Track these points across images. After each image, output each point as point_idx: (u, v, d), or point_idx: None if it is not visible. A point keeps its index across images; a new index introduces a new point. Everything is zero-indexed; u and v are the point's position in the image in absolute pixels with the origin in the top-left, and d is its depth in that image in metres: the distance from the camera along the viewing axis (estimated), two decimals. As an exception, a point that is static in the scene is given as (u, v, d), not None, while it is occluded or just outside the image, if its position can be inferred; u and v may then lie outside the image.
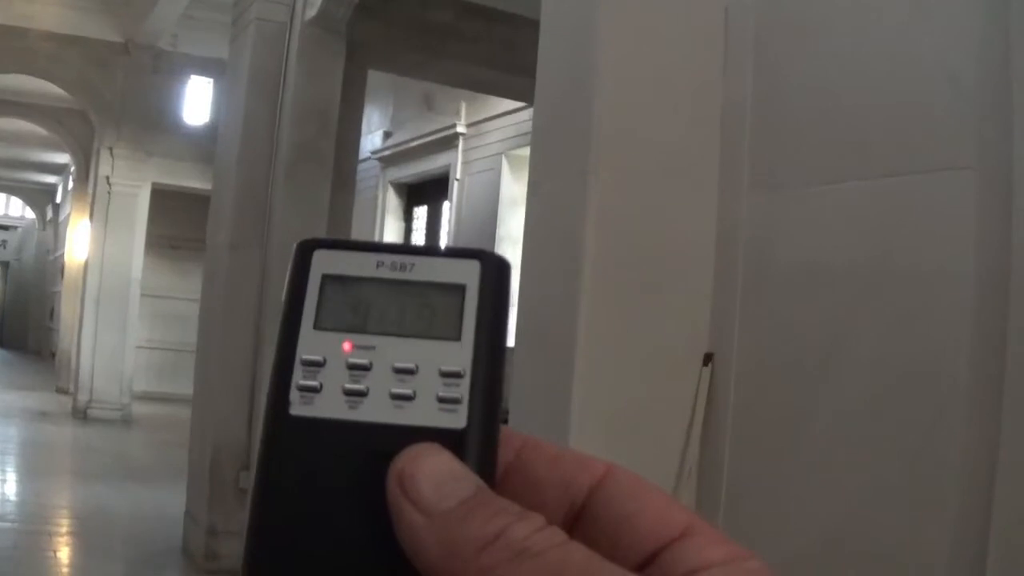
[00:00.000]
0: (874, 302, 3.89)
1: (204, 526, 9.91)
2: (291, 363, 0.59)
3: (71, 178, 32.61)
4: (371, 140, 19.58)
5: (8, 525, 12.52)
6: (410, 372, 0.59)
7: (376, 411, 0.58)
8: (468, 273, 0.61)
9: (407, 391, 0.58)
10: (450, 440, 0.57)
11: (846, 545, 3.88)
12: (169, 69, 21.44)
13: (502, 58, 11.25)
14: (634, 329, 4.66)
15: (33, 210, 46.22)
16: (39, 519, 12.88)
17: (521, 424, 4.90)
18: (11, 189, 44.70)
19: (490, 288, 0.61)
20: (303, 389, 0.59)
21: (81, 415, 21.56)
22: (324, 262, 0.62)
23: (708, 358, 4.69)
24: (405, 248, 0.63)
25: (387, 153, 19.50)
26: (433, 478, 0.54)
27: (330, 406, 0.58)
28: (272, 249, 9.64)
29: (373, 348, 0.59)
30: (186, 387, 25.56)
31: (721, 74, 4.75)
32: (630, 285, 4.63)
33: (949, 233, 3.62)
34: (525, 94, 5.19)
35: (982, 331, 3.50)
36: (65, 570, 10.93)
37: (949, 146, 3.67)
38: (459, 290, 0.61)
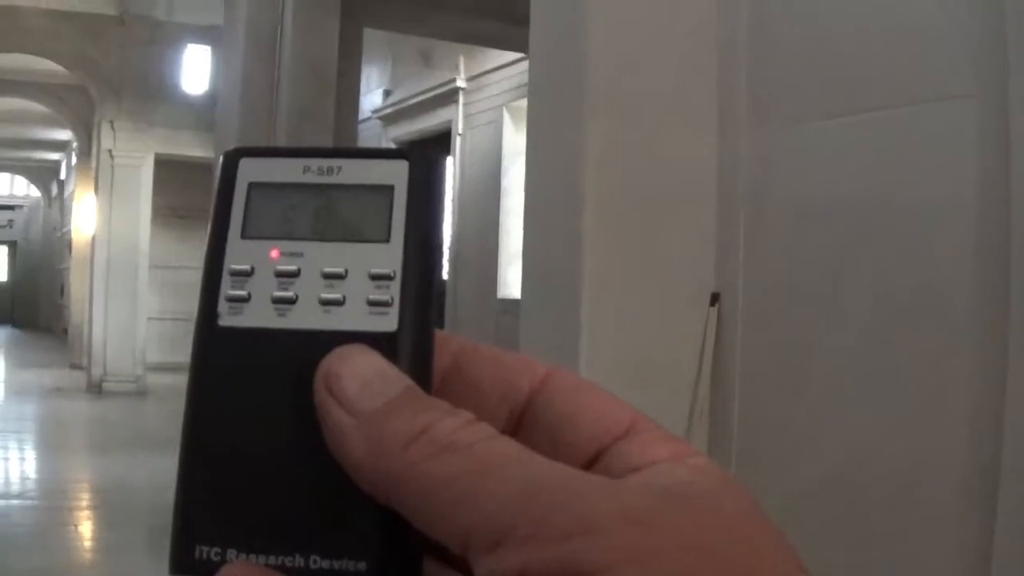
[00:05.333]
0: (876, 234, 3.88)
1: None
2: (219, 274, 0.58)
3: (74, 154, 32.62)
4: (371, 99, 19.53)
5: (28, 502, 12.56)
6: (339, 277, 0.58)
7: (305, 318, 0.57)
8: (396, 173, 0.59)
9: (336, 296, 0.57)
10: (382, 343, 0.56)
11: (857, 476, 3.90)
12: (166, 39, 21.42)
13: (499, 9, 11.20)
14: (639, 272, 4.64)
15: (38, 188, 46.25)
16: (58, 494, 12.92)
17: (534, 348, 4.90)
18: (14, 168, 44.71)
19: (420, 187, 0.59)
20: (231, 300, 0.58)
21: (96, 389, 21.67)
22: (250, 170, 0.61)
23: (715, 298, 4.69)
24: (332, 151, 0.61)
25: (388, 111, 19.45)
26: (359, 377, 0.53)
27: (259, 315, 0.57)
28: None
29: (301, 255, 0.58)
30: None
31: (715, 10, 4.73)
32: (633, 229, 4.61)
33: (950, 163, 3.61)
34: (524, 45, 5.17)
35: (985, 260, 3.48)
36: (86, 543, 10.97)
37: (948, 75, 3.66)
38: (387, 191, 0.59)
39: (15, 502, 12.51)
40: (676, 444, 0.55)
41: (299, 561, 0.53)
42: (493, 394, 0.59)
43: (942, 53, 3.68)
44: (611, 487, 0.50)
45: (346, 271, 0.58)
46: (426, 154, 0.61)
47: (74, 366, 25.98)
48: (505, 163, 15.25)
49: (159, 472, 13.34)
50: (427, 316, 0.58)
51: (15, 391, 23.37)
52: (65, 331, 32.30)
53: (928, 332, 3.64)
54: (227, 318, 0.57)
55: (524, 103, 14.38)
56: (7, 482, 13.81)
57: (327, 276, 0.58)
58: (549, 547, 0.47)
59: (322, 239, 0.59)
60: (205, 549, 0.55)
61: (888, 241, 3.83)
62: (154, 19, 21.30)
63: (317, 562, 0.53)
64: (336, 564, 0.53)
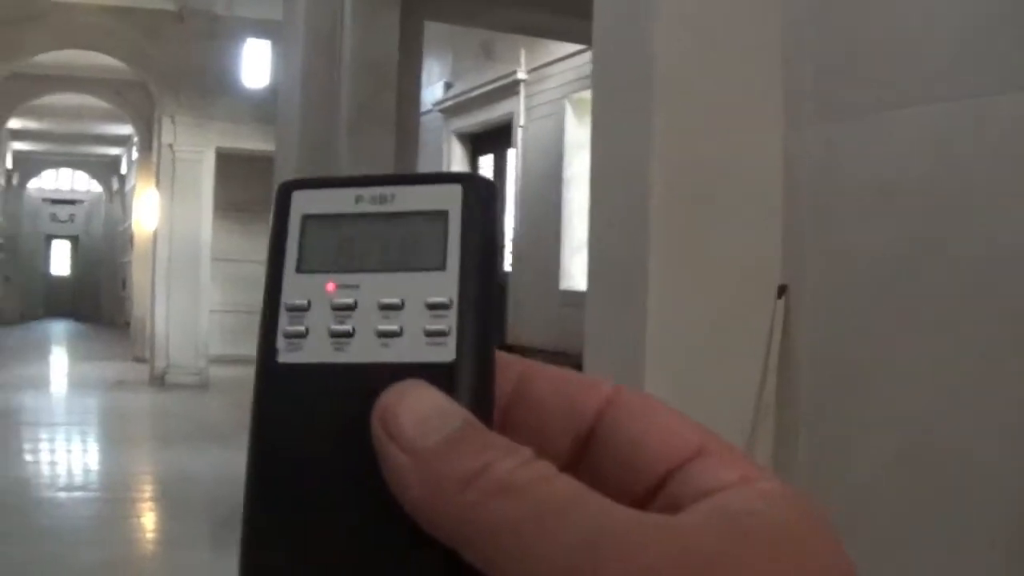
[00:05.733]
0: (945, 225, 3.85)
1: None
2: (276, 310, 0.58)
3: (134, 148, 32.82)
4: (432, 92, 19.54)
5: (91, 494, 12.66)
6: (396, 308, 0.57)
7: (363, 351, 0.56)
8: (450, 198, 0.58)
9: (393, 327, 0.56)
10: (439, 374, 0.55)
11: (926, 467, 3.88)
12: (225, 33, 21.51)
13: (560, 1, 11.17)
14: (706, 265, 4.61)
15: (99, 183, 46.51)
16: (121, 486, 13.01)
17: (596, 365, 4.92)
18: (76, 163, 45.05)
19: (474, 212, 0.58)
20: (289, 336, 0.57)
21: (158, 382, 21.81)
22: (304, 202, 0.60)
23: (782, 290, 4.65)
24: (384, 179, 0.60)
25: (449, 104, 19.46)
26: (415, 414, 0.52)
27: (317, 351, 0.57)
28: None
29: (357, 287, 0.58)
30: None
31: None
32: (698, 221, 4.58)
33: (1018, 153, 3.58)
34: (585, 36, 5.15)
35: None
36: (149, 535, 11.04)
37: (1016, 66, 3.63)
38: (442, 216, 0.58)
39: (78, 494, 12.61)
40: (746, 467, 0.54)
41: None
42: (558, 417, 0.58)
43: (1010, 44, 3.66)
44: (672, 531, 0.49)
45: (402, 301, 0.57)
46: (480, 177, 0.60)
47: (137, 359, 26.13)
48: (567, 154, 15.21)
49: (221, 464, 13.43)
50: (485, 343, 0.56)
51: (78, 384, 23.57)
52: (127, 324, 32.53)
53: (998, 320, 3.62)
54: (286, 354, 0.57)
55: (586, 94, 14.41)
56: (70, 474, 13.92)
57: (383, 307, 0.57)
58: None
59: (377, 270, 0.58)
60: None
61: (956, 231, 3.81)
62: (213, 14, 21.40)
63: None
64: None
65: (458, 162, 19.01)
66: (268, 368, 0.57)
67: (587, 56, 14.59)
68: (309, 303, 0.57)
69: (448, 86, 19.94)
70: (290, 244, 0.59)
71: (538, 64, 16.51)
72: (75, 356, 31.43)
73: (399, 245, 0.58)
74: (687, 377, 4.50)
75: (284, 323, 0.57)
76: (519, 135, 16.71)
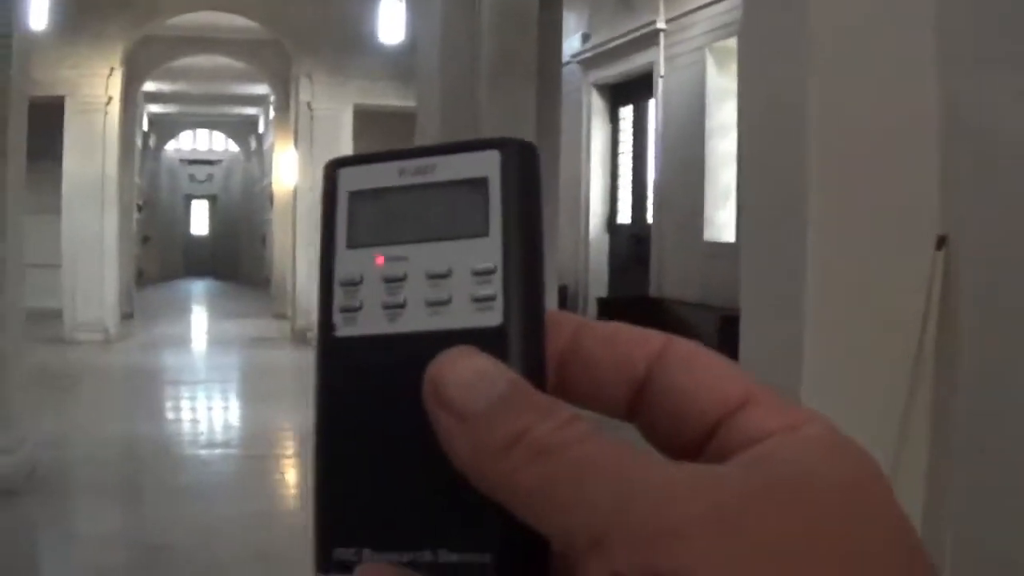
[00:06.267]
0: None
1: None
2: (330, 286, 0.60)
3: (271, 108, 33.11)
4: (570, 44, 19.37)
5: (234, 451, 12.74)
6: (443, 276, 0.58)
7: (415, 321, 0.58)
8: (489, 165, 0.59)
9: (442, 296, 0.58)
10: (488, 338, 0.56)
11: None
12: None
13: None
14: (863, 215, 4.59)
15: (236, 142, 47.04)
16: (264, 443, 13.10)
17: (752, 318, 5.01)
18: (213, 124, 45.61)
19: (514, 176, 0.58)
20: (344, 310, 0.59)
21: (300, 338, 21.97)
22: (350, 179, 0.61)
23: (941, 241, 4.58)
24: (423, 150, 0.60)
25: (587, 55, 19.31)
26: (462, 380, 0.54)
27: (371, 323, 0.58)
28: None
29: (406, 258, 0.59)
30: None
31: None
32: (856, 171, 4.55)
33: None
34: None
35: None
36: (292, 491, 11.07)
37: None
38: (482, 183, 0.59)
39: (219, 451, 12.70)
40: (792, 413, 0.55)
41: (428, 556, 0.55)
42: (611, 370, 0.59)
43: None
44: (704, 486, 0.50)
45: (449, 270, 0.58)
46: (517, 141, 0.60)
47: (277, 315, 26.45)
48: (709, 104, 15.02)
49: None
50: (533, 305, 0.58)
51: (219, 341, 23.84)
52: (267, 281, 32.82)
53: None
54: (342, 328, 0.59)
55: (728, 43, 14.22)
56: (213, 431, 14.04)
57: (432, 276, 0.58)
58: (637, 552, 0.48)
59: (423, 240, 0.59)
60: (342, 551, 0.57)
61: None
62: None
63: (445, 556, 0.55)
64: (462, 557, 0.55)
65: (598, 113, 18.85)
66: (326, 343, 0.59)
67: (727, 4, 14.41)
68: (361, 278, 0.59)
69: (586, 37, 19.78)
70: (339, 221, 0.61)
71: (677, 13, 16.30)
72: (216, 314, 31.82)
73: (442, 214, 0.59)
74: (844, 329, 4.50)
75: (339, 299, 0.59)
76: (659, 85, 16.51)
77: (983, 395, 4.36)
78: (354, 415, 0.58)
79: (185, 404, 16.04)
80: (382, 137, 26.16)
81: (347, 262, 0.60)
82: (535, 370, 0.56)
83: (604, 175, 18.37)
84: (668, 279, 15.23)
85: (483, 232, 0.58)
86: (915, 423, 4.51)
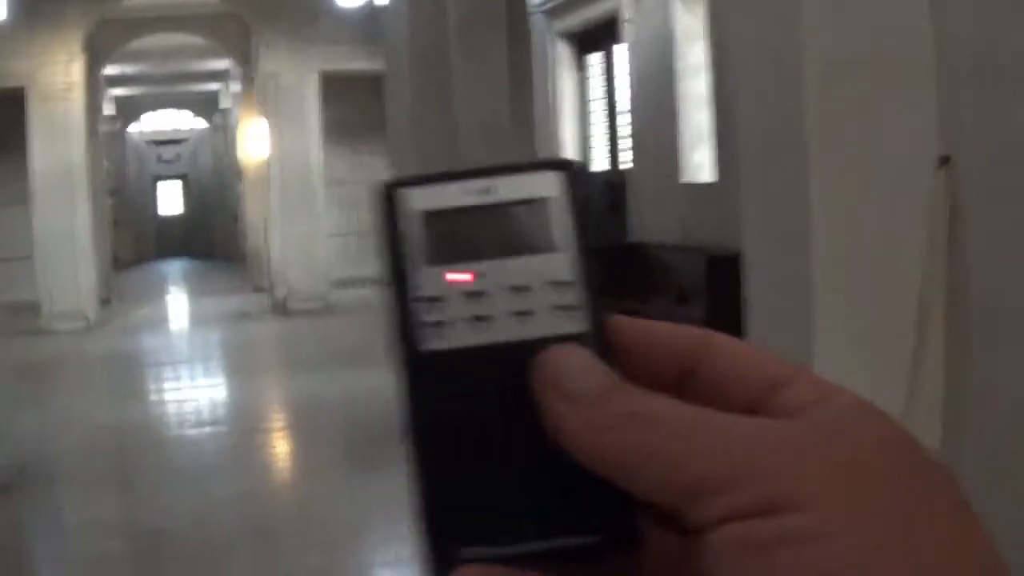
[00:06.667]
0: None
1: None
2: (406, 303, 0.61)
3: (233, 82, 32.97)
4: (533, -6, 19.27)
5: (223, 428, 12.62)
6: (524, 289, 0.61)
7: (501, 331, 0.60)
8: (549, 184, 0.63)
9: (526, 307, 0.61)
10: (574, 343, 0.60)
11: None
12: None
13: None
14: (863, 139, 4.58)
15: (203, 119, 46.85)
16: (254, 418, 13.02)
17: (758, 258, 4.99)
18: (176, 103, 45.34)
19: (573, 196, 0.63)
20: (427, 325, 0.60)
21: (281, 310, 21.98)
22: (410, 200, 0.63)
23: (944, 160, 4.53)
24: (483, 171, 0.63)
25: (551, 5, 19.11)
26: (573, 369, 0.58)
27: (457, 336, 0.60)
28: (459, 115, 9.45)
29: (484, 275, 0.61)
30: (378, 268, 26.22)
31: None
32: (852, 94, 4.55)
33: None
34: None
35: None
36: (283, 464, 11.00)
37: None
38: (544, 202, 0.62)
39: (208, 429, 12.59)
40: (825, 387, 0.59)
41: (538, 545, 0.58)
42: (659, 362, 0.62)
43: None
44: (785, 430, 0.56)
45: (529, 284, 0.61)
46: (569, 162, 0.64)
47: (257, 288, 26.37)
48: (677, 46, 14.85)
49: (352, 386, 13.34)
50: (605, 312, 0.62)
51: (200, 319, 23.77)
52: (243, 256, 32.69)
53: None
54: (428, 343, 0.60)
55: (694, -20, 14.07)
56: (200, 410, 13.91)
57: (513, 290, 0.61)
58: (747, 490, 0.53)
59: (497, 257, 0.62)
60: (445, 549, 0.58)
61: None
62: None
63: (555, 542, 0.58)
64: (571, 541, 0.58)
65: (564, 62, 18.69)
66: (411, 358, 0.60)
67: (690, -57, 14.27)
68: (440, 295, 0.60)
69: (548, -13, 19.64)
70: (407, 241, 0.61)
71: (639, -44, 16.16)
72: (194, 292, 31.81)
73: (511, 232, 0.62)
74: (851, 255, 4.52)
75: (419, 315, 0.60)
76: (626, 30, 16.35)
77: (992, 313, 4.34)
78: (448, 422, 0.59)
79: (170, 385, 15.98)
80: (350, 103, 26.18)
81: (423, 280, 0.61)
82: (614, 366, 0.60)
83: (575, 124, 18.27)
84: (647, 224, 15.06)
85: (553, 248, 0.61)
86: (929, 353, 4.44)
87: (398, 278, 0.61)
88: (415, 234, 0.62)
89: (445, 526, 0.59)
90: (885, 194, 4.53)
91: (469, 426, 0.59)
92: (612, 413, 0.57)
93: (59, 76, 20.66)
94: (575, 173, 0.63)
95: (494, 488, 0.59)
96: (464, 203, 0.62)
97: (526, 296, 0.61)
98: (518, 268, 0.61)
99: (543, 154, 14.81)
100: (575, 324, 0.61)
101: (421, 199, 0.62)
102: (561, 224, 0.62)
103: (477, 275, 0.61)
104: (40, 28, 20.46)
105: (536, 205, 0.62)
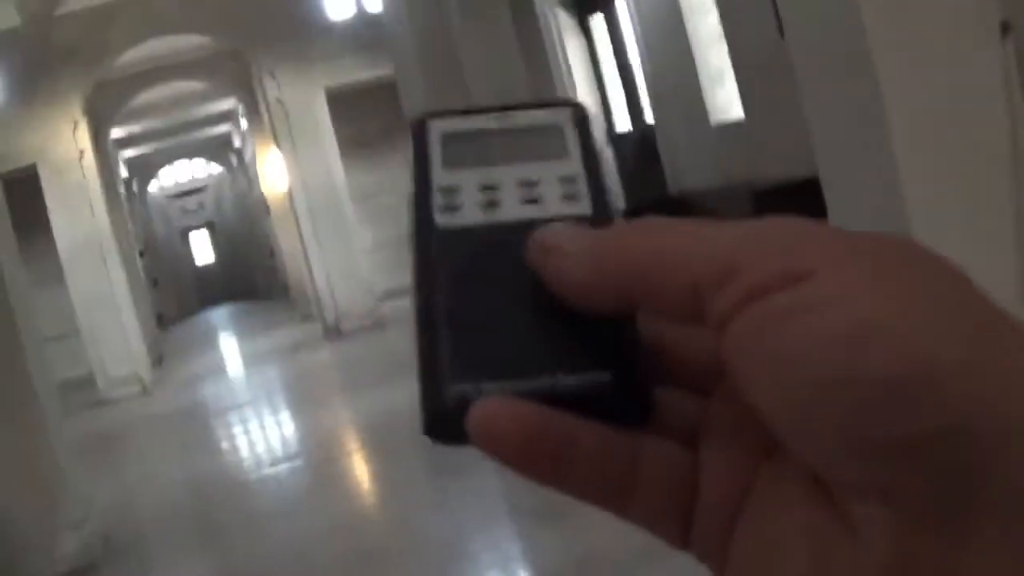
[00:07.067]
0: None
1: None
2: (429, 190, 0.67)
3: (242, 119, 32.97)
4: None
5: (301, 461, 12.35)
6: (534, 183, 0.67)
7: (511, 212, 0.66)
8: (561, 116, 0.71)
9: (535, 195, 0.67)
10: (579, 222, 0.65)
11: None
12: None
13: None
14: (923, 13, 4.35)
15: (218, 163, 46.89)
16: (329, 446, 12.74)
17: (836, 175, 4.81)
18: (189, 152, 45.36)
19: (582, 123, 0.71)
20: (444, 208, 0.66)
21: (334, 333, 21.81)
22: (440, 125, 0.71)
23: (1005, 28, 4.31)
24: (503, 106, 0.72)
25: (542, -26, 18.93)
26: (565, 233, 0.61)
27: (470, 216, 0.66)
28: (473, 92, 9.19)
29: (498, 172, 0.68)
30: None
31: None
32: None
33: None
34: None
35: None
36: (373, 484, 10.71)
37: None
38: (558, 126, 0.70)
39: (286, 465, 12.34)
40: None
41: (547, 381, 0.59)
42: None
43: None
44: (792, 219, 0.56)
45: (539, 179, 0.67)
46: (579, 103, 0.74)
47: (305, 318, 26.25)
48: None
49: (413, 399, 13.05)
50: (610, 201, 0.68)
51: (254, 359, 23.61)
52: (285, 289, 32.63)
53: None
54: (442, 220, 0.66)
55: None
56: (273, 448, 13.72)
57: (523, 183, 0.67)
58: (767, 264, 0.52)
59: (513, 162, 0.68)
60: (458, 386, 0.59)
61: None
62: None
63: (564, 379, 0.59)
64: (581, 378, 0.59)
65: (568, 29, 18.38)
66: (428, 231, 0.65)
67: None
68: (459, 185, 0.67)
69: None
70: (432, 152, 0.69)
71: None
72: (243, 334, 31.74)
73: (527, 145, 0.70)
74: (927, 128, 4.37)
75: (437, 200, 0.66)
76: (626, -15, 16.08)
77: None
78: (456, 279, 0.63)
79: (239, 430, 15.78)
80: (359, 116, 26.05)
81: (444, 175, 0.68)
82: None
83: (591, 89, 18.00)
84: (685, 173, 14.83)
85: (564, 155, 0.68)
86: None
87: (423, 178, 0.68)
88: (437, 148, 0.69)
89: (446, 363, 0.60)
90: (950, 62, 4.35)
91: (472, 282, 0.63)
92: (610, 234, 0.59)
93: (67, 145, 20.50)
94: (581, 108, 0.72)
95: (496, 334, 0.61)
96: (484, 126, 0.70)
97: (535, 188, 0.67)
98: (529, 168, 0.68)
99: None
100: (580, 208, 0.66)
101: (447, 124, 0.71)
102: (570, 141, 0.70)
103: (489, 173, 0.68)
104: (38, 102, 20.30)
105: (547, 128, 0.70)
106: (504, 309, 0.62)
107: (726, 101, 14.13)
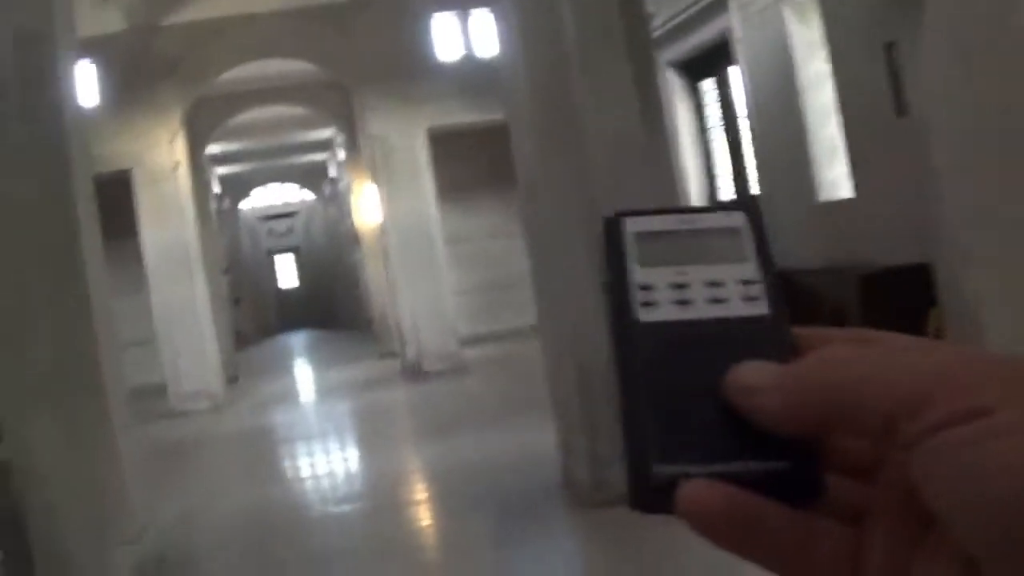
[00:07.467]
0: None
1: (585, 455, 9.25)
2: (628, 287, 0.76)
3: (340, 148, 32.92)
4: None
5: (368, 504, 12.06)
6: (719, 284, 0.76)
7: (700, 311, 0.75)
8: (738, 220, 0.79)
9: (720, 296, 0.76)
10: (759, 322, 0.75)
11: None
12: (411, 13, 21.20)
13: None
14: None
15: (310, 190, 46.97)
16: (398, 490, 12.46)
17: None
18: (282, 175, 45.42)
19: (758, 226, 0.79)
20: (643, 304, 0.75)
21: (413, 373, 21.59)
22: (633, 224, 0.79)
23: None
24: (687, 208, 0.89)
25: (657, 35, 18.66)
26: (759, 371, 0.69)
27: (666, 313, 0.75)
28: (589, 147, 8.94)
29: (687, 273, 0.77)
30: (506, 323, 26.06)
31: None
32: None
33: None
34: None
35: None
36: (435, 539, 10.42)
37: None
38: (736, 230, 0.79)
39: (352, 506, 12.05)
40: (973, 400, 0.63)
41: (739, 466, 0.68)
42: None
43: None
44: (970, 354, 0.64)
45: (722, 280, 0.76)
46: (752, 205, 0.84)
47: (385, 354, 26.06)
48: (796, 59, 14.30)
49: (498, 446, 12.81)
50: (785, 303, 0.76)
51: (328, 390, 23.42)
52: (367, 323, 32.52)
53: None
54: (642, 315, 0.75)
55: (805, -8, 13.49)
56: (340, 485, 13.45)
57: (710, 284, 0.76)
58: (955, 402, 0.60)
59: (699, 263, 0.77)
60: (665, 468, 0.68)
61: None
62: None
63: (752, 465, 0.68)
64: (767, 465, 0.68)
65: (678, 92, 18.22)
66: (629, 324, 0.75)
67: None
68: (653, 284, 0.76)
69: (651, 17, 19.13)
70: (628, 250, 0.78)
71: (744, -27, 15.60)
72: (320, 363, 31.56)
73: (711, 247, 0.78)
74: None
75: (635, 296, 0.76)
76: (739, 50, 15.81)
77: None
78: (656, 369, 0.72)
79: (308, 461, 15.58)
80: (458, 158, 25.91)
81: (640, 274, 0.77)
82: (794, 346, 0.73)
83: (697, 154, 17.77)
84: (786, 249, 14.51)
85: (743, 259, 0.77)
86: None
87: (621, 274, 0.77)
88: (632, 246, 0.78)
89: (662, 451, 0.68)
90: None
91: (671, 374, 0.71)
92: (810, 363, 0.67)
93: (164, 155, 20.50)
94: (756, 211, 0.80)
95: (695, 421, 0.70)
96: (672, 228, 0.79)
97: (720, 289, 0.76)
98: (714, 270, 0.76)
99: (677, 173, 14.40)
100: (759, 309, 0.75)
101: (637, 224, 0.79)
102: (747, 244, 0.78)
103: (681, 272, 0.76)
104: (138, 111, 20.31)
105: (727, 231, 0.78)
106: (700, 399, 0.70)
107: (836, 178, 13.85)
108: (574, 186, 9.05)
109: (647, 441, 0.69)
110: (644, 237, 0.78)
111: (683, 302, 0.75)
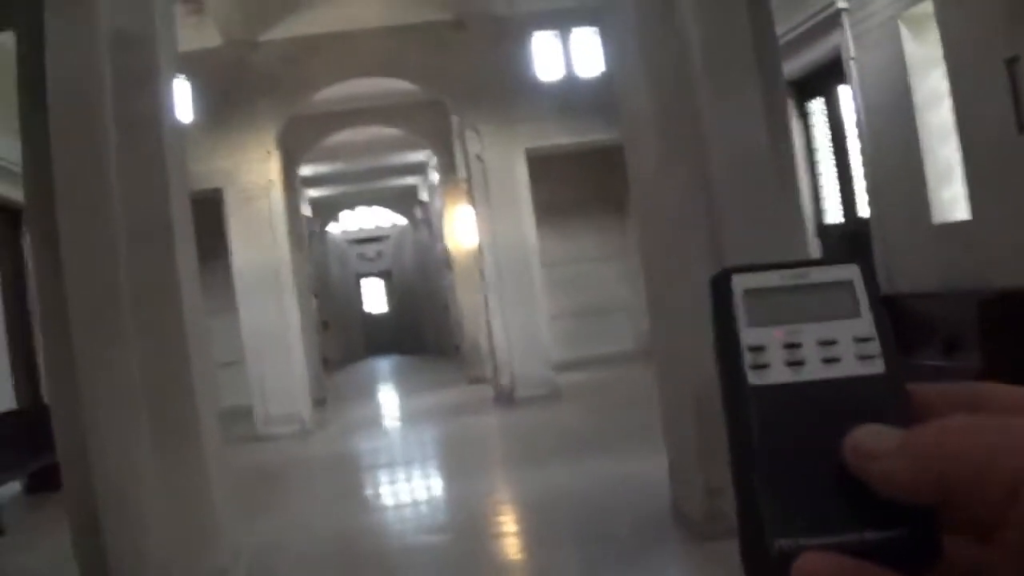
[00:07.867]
0: None
1: (699, 485, 8.82)
2: (738, 350, 0.77)
3: (432, 171, 32.79)
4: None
5: (458, 535, 11.57)
6: (832, 343, 0.77)
7: (814, 372, 0.76)
8: (851, 272, 0.80)
9: (834, 355, 0.77)
10: (875, 382, 0.76)
11: None
12: (511, 32, 21.14)
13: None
14: None
15: (401, 214, 46.85)
16: (479, 525, 11.89)
17: None
18: (373, 199, 45.30)
19: (870, 280, 0.80)
20: (754, 366, 0.76)
21: (506, 399, 21.22)
22: (742, 281, 0.80)
23: None
24: (797, 263, 0.81)
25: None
26: (878, 437, 0.71)
27: (779, 375, 0.76)
28: (714, 166, 8.50)
29: (799, 331, 0.78)
30: (600, 348, 25.68)
31: None
32: None
33: None
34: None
35: None
36: (530, 570, 9.91)
37: None
38: (849, 284, 0.80)
39: (438, 537, 11.59)
40: None
41: (855, 537, 0.70)
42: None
43: None
44: None
45: (836, 339, 0.77)
46: (864, 260, 0.82)
47: (474, 380, 25.83)
48: (911, 77, 13.77)
49: (598, 475, 12.34)
50: (899, 361, 0.77)
51: (417, 416, 23.08)
52: (456, 349, 32.26)
53: None
54: (754, 379, 0.76)
55: (920, 8, 12.97)
56: (428, 515, 13.03)
57: (822, 343, 0.77)
58: None
59: (812, 320, 0.78)
60: (781, 541, 0.70)
61: None
62: (494, 15, 20.99)
63: (869, 535, 0.70)
64: (883, 534, 0.70)
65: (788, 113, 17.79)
66: (742, 389, 0.76)
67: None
68: (765, 345, 0.77)
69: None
70: (737, 308, 0.79)
71: (857, -11, 15.10)
72: (408, 389, 31.34)
73: (824, 303, 0.79)
74: None
75: (747, 359, 0.76)
76: (852, 68, 15.29)
77: None
78: (770, 438, 0.73)
79: (395, 489, 15.21)
80: (556, 180, 25.58)
81: (751, 335, 0.77)
82: (910, 405, 0.75)
83: (803, 175, 17.30)
84: (899, 273, 13.98)
85: (856, 314, 0.78)
86: None
87: (731, 335, 0.77)
88: (743, 304, 0.78)
89: (770, 521, 0.70)
90: None
91: (784, 443, 0.73)
92: (926, 440, 0.69)
93: (257, 174, 20.27)
94: (868, 266, 0.80)
95: (813, 488, 0.71)
96: (780, 283, 0.79)
97: (833, 347, 0.77)
98: (827, 328, 0.77)
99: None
100: (874, 368, 0.76)
101: (748, 281, 0.80)
102: (860, 299, 0.78)
103: (792, 332, 0.77)
104: (232, 129, 20.16)
105: (839, 285, 0.79)
106: (816, 465, 0.72)
107: (952, 200, 13.30)
108: (696, 207, 8.63)
109: (763, 514, 0.71)
110: (753, 295, 0.79)
111: (796, 363, 0.77)
